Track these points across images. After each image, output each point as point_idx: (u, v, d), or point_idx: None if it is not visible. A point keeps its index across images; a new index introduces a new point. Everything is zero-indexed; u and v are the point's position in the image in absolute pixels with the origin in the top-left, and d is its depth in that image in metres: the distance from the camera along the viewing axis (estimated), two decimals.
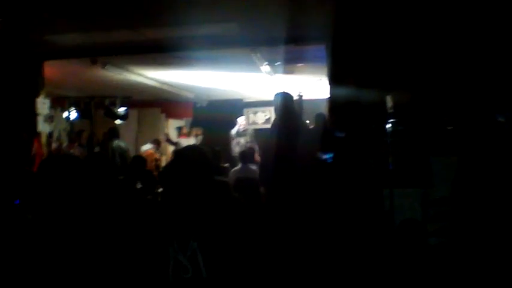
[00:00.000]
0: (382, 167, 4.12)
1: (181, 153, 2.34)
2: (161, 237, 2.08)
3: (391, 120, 3.96)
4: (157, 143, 9.78)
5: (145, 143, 10.06)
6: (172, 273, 2.02)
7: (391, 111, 3.98)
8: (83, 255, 2.30)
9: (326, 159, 4.50)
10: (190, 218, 2.07)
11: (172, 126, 12.05)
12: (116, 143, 8.21)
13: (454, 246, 3.74)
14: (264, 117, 11.65)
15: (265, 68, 7.30)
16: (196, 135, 10.76)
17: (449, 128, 4.02)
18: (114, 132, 8.35)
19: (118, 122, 8.99)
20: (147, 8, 4.58)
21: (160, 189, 4.39)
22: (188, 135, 10.82)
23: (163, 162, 9.61)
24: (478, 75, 4.21)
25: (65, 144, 9.25)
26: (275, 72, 7.85)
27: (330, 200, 4.31)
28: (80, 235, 2.33)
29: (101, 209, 2.61)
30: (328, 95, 4.94)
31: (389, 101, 3.99)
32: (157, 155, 9.29)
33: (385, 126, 3.98)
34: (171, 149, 10.93)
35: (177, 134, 10.90)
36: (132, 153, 8.81)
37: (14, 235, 2.33)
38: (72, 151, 8.39)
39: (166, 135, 10.92)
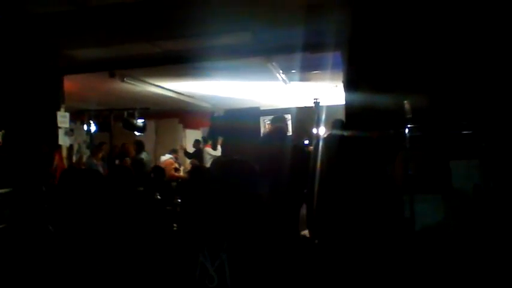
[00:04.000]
0: (401, 173, 4.07)
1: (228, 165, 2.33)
2: (192, 241, 2.10)
3: (410, 125, 3.92)
4: (175, 152, 9.89)
5: (163, 153, 10.16)
6: (198, 279, 2.04)
7: (409, 116, 3.93)
8: (104, 264, 2.32)
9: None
10: (225, 229, 2.08)
11: (190, 136, 12.15)
12: (141, 155, 8.38)
13: (475, 251, 3.67)
14: None
15: (281, 76, 7.31)
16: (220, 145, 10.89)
17: (468, 131, 3.95)
18: (140, 145, 8.53)
19: (137, 133, 9.11)
20: (163, 20, 4.65)
21: (178, 200, 4.42)
22: (214, 145, 10.93)
23: (181, 172, 9.67)
24: (495, 78, 4.14)
25: (85, 156, 9.40)
26: (291, 79, 7.85)
27: (349, 207, 4.27)
28: (100, 245, 2.36)
29: (122, 220, 2.64)
30: (345, 102, 4.92)
31: (407, 107, 3.95)
32: (176, 164, 9.38)
33: (403, 132, 3.94)
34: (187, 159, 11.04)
35: (202, 145, 11.00)
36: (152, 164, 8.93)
37: (36, 247, 2.37)
38: (95, 161, 8.53)
39: (182, 147, 11.00)
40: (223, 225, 2.06)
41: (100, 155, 8.83)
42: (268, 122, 7.89)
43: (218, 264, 2.02)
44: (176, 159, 9.72)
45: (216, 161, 5.08)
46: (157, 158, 10.65)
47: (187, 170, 8.89)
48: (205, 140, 11.24)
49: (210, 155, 10.30)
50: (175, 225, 3.66)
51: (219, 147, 10.91)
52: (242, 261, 2.01)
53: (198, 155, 10.57)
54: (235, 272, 2.00)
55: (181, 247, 2.13)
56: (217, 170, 2.34)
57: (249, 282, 2.00)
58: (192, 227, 2.16)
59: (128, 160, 8.46)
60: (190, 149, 11.11)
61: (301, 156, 4.98)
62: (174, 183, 7.13)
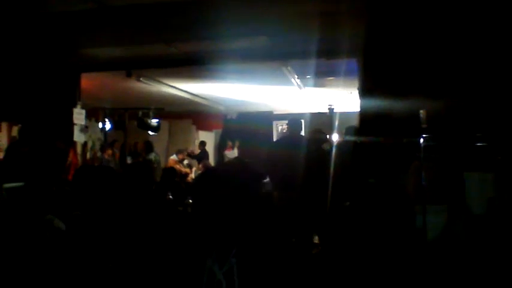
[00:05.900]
0: (414, 183, 4.03)
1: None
2: (201, 246, 2.10)
3: (424, 135, 3.88)
4: (181, 152, 9.98)
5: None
6: (205, 285, 2.03)
7: (424, 126, 3.89)
8: (116, 261, 2.34)
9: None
10: (235, 233, 2.08)
11: (202, 138, 12.20)
12: (150, 156, 8.45)
13: (487, 265, 3.61)
14: None
15: (296, 81, 7.31)
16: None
17: (483, 143, 3.90)
18: (150, 146, 8.61)
19: (150, 133, 9.17)
20: (181, 22, 4.68)
21: (190, 201, 4.43)
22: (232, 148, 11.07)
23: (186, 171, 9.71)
24: None
25: (98, 154, 9.51)
26: (305, 85, 7.85)
27: (360, 215, 4.25)
28: (113, 243, 2.38)
29: (136, 217, 2.65)
30: (359, 109, 4.90)
31: (422, 116, 3.92)
32: (179, 165, 9.45)
33: (418, 141, 3.90)
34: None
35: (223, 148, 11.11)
36: (162, 164, 8.99)
37: (48, 244, 2.40)
38: (106, 157, 8.62)
39: (188, 151, 11.02)
40: (234, 229, 2.06)
41: (110, 151, 8.91)
42: (285, 125, 7.91)
43: (227, 270, 2.02)
44: (182, 159, 9.76)
45: (225, 163, 5.11)
46: (168, 158, 10.72)
47: (199, 172, 8.93)
48: (223, 143, 11.36)
49: (228, 158, 10.40)
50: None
51: (235, 150, 10.99)
52: (252, 267, 2.01)
53: (204, 156, 10.65)
54: (244, 278, 2.00)
55: (189, 253, 2.13)
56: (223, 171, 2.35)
57: None
58: (202, 229, 2.17)
59: (140, 159, 8.55)
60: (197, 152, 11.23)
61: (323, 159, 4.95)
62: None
